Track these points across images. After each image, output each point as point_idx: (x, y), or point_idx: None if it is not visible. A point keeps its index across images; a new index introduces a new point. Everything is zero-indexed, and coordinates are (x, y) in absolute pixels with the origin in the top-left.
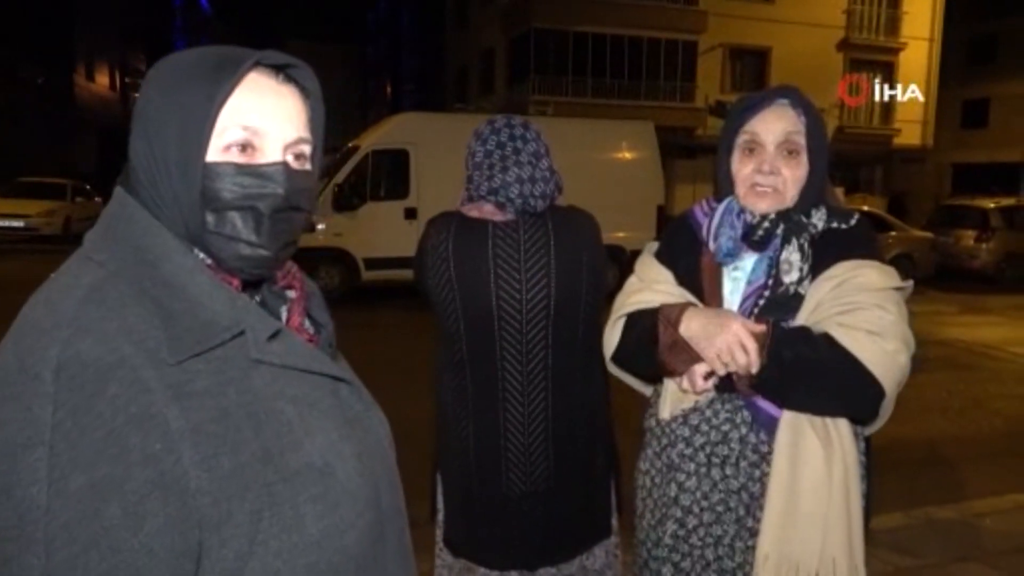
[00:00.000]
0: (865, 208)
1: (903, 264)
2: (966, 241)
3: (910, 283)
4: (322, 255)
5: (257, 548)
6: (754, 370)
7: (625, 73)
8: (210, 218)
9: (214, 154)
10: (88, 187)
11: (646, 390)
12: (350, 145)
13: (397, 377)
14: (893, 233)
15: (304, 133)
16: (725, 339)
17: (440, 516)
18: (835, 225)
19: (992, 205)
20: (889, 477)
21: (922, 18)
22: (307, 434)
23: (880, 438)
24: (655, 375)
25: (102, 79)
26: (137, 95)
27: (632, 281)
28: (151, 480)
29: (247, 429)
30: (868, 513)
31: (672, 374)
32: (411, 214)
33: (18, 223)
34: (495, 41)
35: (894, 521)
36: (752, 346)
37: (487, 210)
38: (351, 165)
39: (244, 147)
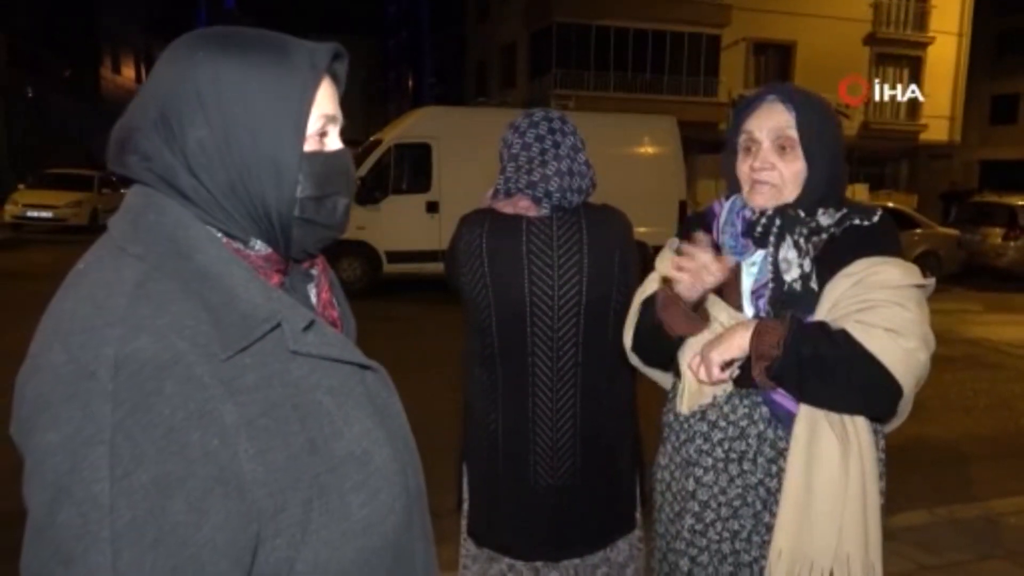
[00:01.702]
0: (890, 204)
1: (929, 261)
2: (993, 239)
3: (931, 281)
4: (344, 248)
5: (309, 537)
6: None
7: (647, 67)
8: (301, 206)
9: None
10: (114, 178)
11: (666, 382)
12: (372, 139)
13: (418, 370)
14: (919, 230)
15: (343, 118)
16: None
17: (465, 506)
18: (855, 222)
19: (1021, 203)
20: (913, 475)
21: (950, 12)
22: (346, 424)
23: (904, 436)
24: (669, 359)
25: (128, 71)
26: (183, 79)
27: (652, 276)
28: (212, 475)
29: (294, 421)
30: (885, 512)
31: (671, 331)
32: (433, 208)
33: (46, 214)
34: (516, 35)
35: (918, 519)
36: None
37: (522, 205)
38: (374, 159)
39: (322, 135)
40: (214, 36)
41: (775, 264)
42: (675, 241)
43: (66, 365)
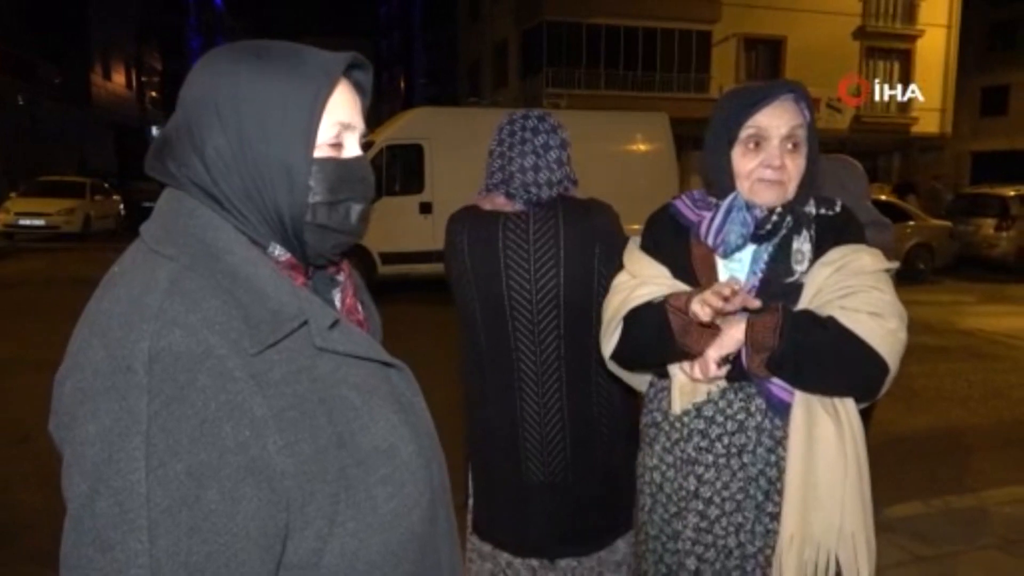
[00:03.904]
0: (883, 197)
1: (922, 253)
2: (986, 230)
3: (896, 264)
4: None
5: (336, 529)
6: (752, 304)
7: (639, 65)
8: (314, 212)
9: (315, 151)
10: (106, 185)
11: (641, 384)
12: (365, 140)
13: (415, 370)
14: (912, 223)
15: (364, 127)
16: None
17: (470, 502)
18: (823, 212)
19: (1012, 193)
20: (908, 466)
21: (940, 4)
22: (372, 419)
23: (899, 427)
24: (660, 367)
25: (118, 78)
26: (205, 89)
27: (624, 278)
28: (243, 466)
29: (321, 415)
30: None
31: (697, 356)
32: (426, 208)
33: (39, 221)
34: (508, 34)
35: (913, 509)
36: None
37: (499, 202)
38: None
39: (336, 143)
40: (235, 49)
41: (775, 257)
42: (638, 239)
43: (104, 360)
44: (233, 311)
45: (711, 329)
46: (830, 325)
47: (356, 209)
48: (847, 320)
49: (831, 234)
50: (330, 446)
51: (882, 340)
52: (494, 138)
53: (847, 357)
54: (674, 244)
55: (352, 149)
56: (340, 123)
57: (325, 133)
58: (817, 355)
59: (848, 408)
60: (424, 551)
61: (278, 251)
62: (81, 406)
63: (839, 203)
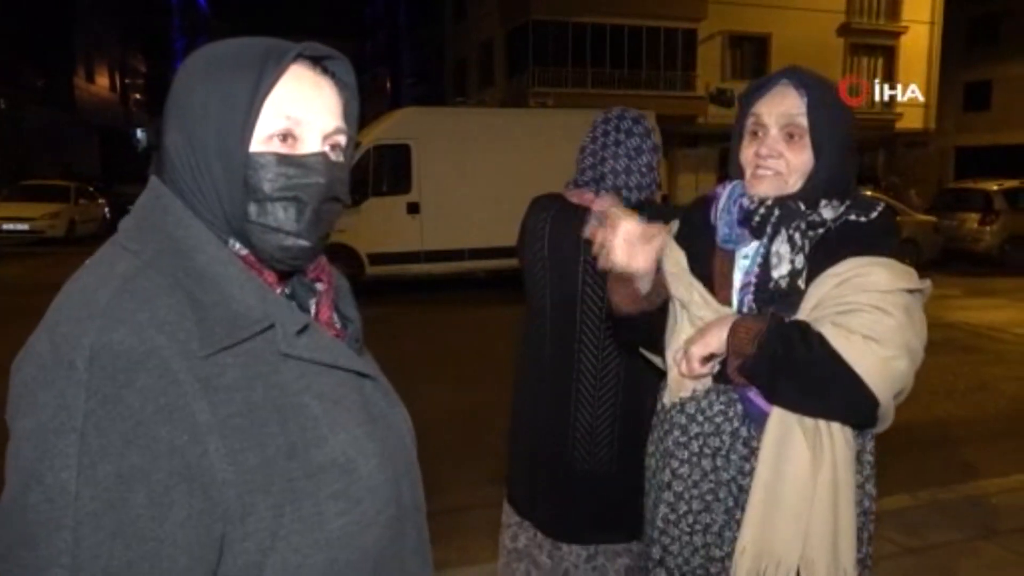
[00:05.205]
0: (868, 192)
1: (907, 248)
2: (970, 224)
3: (927, 284)
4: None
5: (279, 543)
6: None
7: (625, 63)
8: (252, 208)
9: (256, 144)
10: (91, 189)
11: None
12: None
13: (406, 371)
14: (896, 218)
15: (341, 124)
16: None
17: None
18: (853, 218)
19: (995, 187)
20: (896, 459)
21: (922, 1)
22: (331, 430)
23: None
24: (652, 344)
25: (102, 80)
26: (174, 86)
27: None
28: (177, 471)
29: (273, 424)
30: (870, 514)
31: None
32: (414, 209)
33: (22, 226)
34: (494, 33)
35: (901, 502)
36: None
37: (587, 198)
38: (353, 160)
39: (285, 137)
40: (201, 48)
41: (765, 258)
42: (675, 226)
43: (48, 354)
44: (187, 311)
45: (624, 279)
46: (815, 343)
47: (300, 208)
48: (836, 340)
49: (852, 242)
50: (279, 457)
51: (871, 368)
52: (587, 135)
53: (826, 380)
54: (702, 233)
55: (309, 146)
56: (289, 116)
57: (270, 125)
58: (792, 371)
59: (835, 434)
60: (380, 571)
61: (237, 246)
62: (23, 399)
63: (878, 210)
